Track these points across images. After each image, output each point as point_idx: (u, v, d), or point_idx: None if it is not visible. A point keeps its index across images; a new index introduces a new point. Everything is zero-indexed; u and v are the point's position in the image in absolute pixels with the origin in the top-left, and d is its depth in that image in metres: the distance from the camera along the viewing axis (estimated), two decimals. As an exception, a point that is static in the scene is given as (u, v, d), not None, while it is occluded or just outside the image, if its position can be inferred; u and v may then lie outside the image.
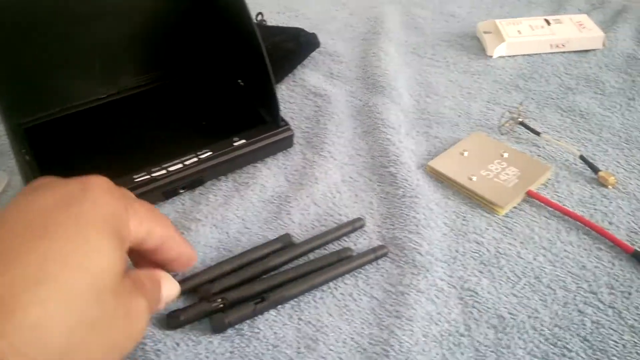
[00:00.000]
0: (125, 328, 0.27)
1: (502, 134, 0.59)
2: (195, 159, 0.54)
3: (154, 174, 0.53)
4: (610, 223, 0.48)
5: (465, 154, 0.55)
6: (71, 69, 0.60)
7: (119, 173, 0.52)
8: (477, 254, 0.46)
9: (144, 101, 0.62)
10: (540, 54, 0.72)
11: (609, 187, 0.51)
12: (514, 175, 0.52)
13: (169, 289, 0.34)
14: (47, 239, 0.25)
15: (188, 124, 0.60)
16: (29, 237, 0.24)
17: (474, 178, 0.52)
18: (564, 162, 0.55)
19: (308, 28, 0.82)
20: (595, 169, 0.52)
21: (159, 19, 0.61)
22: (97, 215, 0.27)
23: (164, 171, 0.53)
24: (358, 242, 0.48)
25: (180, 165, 0.53)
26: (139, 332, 0.28)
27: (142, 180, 0.52)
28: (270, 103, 0.58)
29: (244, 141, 0.56)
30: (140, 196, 0.51)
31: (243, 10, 0.54)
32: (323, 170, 0.56)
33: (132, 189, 0.51)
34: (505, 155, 0.54)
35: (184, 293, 0.45)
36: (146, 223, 0.31)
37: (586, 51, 0.72)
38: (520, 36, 0.71)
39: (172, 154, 0.54)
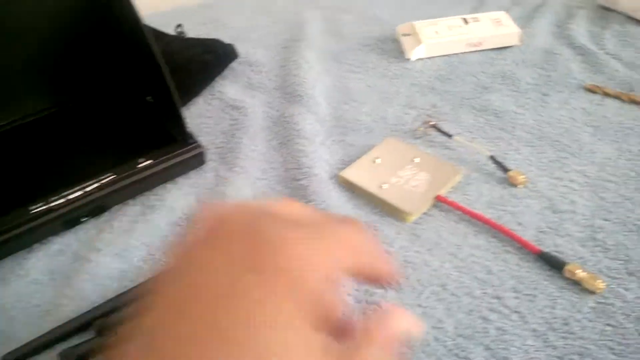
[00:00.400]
0: None
1: (416, 138, 0.58)
2: (96, 185, 0.52)
3: (51, 204, 0.50)
4: (519, 223, 0.47)
5: (378, 161, 0.54)
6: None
7: (14, 204, 0.50)
8: (384, 265, 0.45)
9: (46, 126, 0.60)
10: (458, 54, 0.71)
11: (519, 186, 0.51)
12: (424, 181, 0.51)
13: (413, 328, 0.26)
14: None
15: (92, 147, 0.58)
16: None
17: (385, 186, 0.51)
18: (475, 163, 0.54)
19: (230, 38, 0.81)
20: (505, 169, 0.52)
21: (57, 40, 0.59)
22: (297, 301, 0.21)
23: (62, 200, 0.51)
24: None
25: (80, 192, 0.51)
26: None
27: (38, 211, 0.50)
28: (177, 120, 0.56)
29: (150, 162, 0.54)
30: (37, 228, 0.50)
31: (138, 26, 0.52)
32: (235, 188, 0.54)
33: (27, 222, 0.49)
34: (417, 160, 0.53)
35: (78, 329, 0.42)
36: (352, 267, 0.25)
37: (503, 48, 0.72)
38: (437, 37, 0.71)
39: (72, 181, 0.52)
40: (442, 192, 0.50)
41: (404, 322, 0.25)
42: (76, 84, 0.62)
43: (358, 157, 0.56)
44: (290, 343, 0.20)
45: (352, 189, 0.53)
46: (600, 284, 0.41)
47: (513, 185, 0.51)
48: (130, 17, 0.52)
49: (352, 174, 0.53)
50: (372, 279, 0.26)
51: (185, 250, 0.23)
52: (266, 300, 0.20)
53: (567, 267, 0.42)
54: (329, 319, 0.22)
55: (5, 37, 0.56)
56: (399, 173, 0.52)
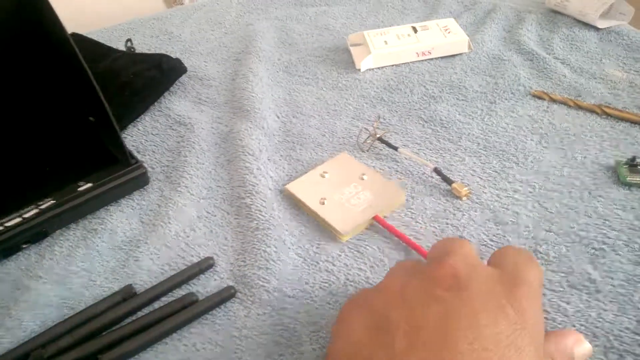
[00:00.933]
0: None
1: (362, 151, 0.58)
2: (36, 210, 0.51)
3: (-12, 232, 0.49)
4: (460, 237, 0.47)
5: (327, 176, 0.54)
6: None
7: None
8: (326, 284, 0.44)
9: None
10: (407, 63, 0.71)
11: (463, 198, 0.51)
12: (365, 200, 0.50)
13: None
14: None
15: (30, 171, 0.56)
16: None
17: (326, 202, 0.50)
18: (420, 175, 0.54)
19: (181, 51, 0.80)
20: (449, 181, 0.52)
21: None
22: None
23: (1, 227, 0.49)
24: (209, 285, 0.46)
25: (18, 219, 0.50)
26: None
27: (-25, 239, 0.48)
28: (116, 141, 0.55)
29: (90, 185, 0.53)
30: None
31: (70, 48, 0.50)
32: (178, 208, 0.53)
33: (-38, 252, 0.47)
34: (365, 177, 0.53)
35: (12, 363, 0.41)
36: None
37: (453, 56, 0.72)
38: (386, 47, 0.71)
39: (10, 207, 0.50)
40: (383, 214, 0.49)
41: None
42: (10, 105, 0.60)
43: (305, 173, 0.55)
44: None
45: (296, 204, 0.52)
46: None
47: (457, 197, 0.51)
48: (61, 38, 0.51)
49: (296, 187, 0.52)
50: None
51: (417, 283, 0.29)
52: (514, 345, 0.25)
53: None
54: None
55: None
56: (343, 190, 0.51)
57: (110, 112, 0.52)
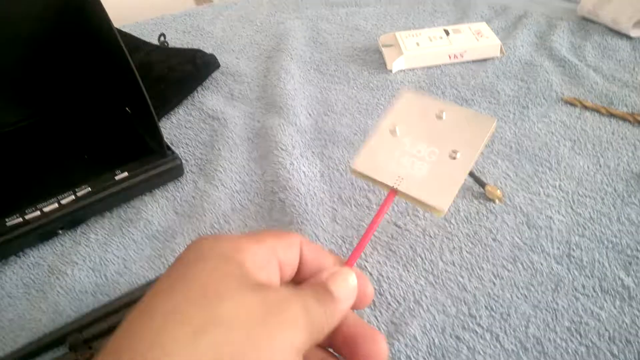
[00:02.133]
0: None
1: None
2: (72, 197, 0.51)
3: (27, 216, 0.50)
4: (494, 240, 0.47)
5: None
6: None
7: (-11, 217, 0.49)
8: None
9: (24, 137, 0.59)
10: (439, 65, 0.72)
11: (496, 201, 0.51)
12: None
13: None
14: None
15: (69, 159, 0.57)
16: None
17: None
18: (453, 177, 0.54)
19: (213, 47, 0.81)
20: (482, 184, 0.52)
21: (32, 52, 0.58)
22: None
23: (38, 212, 0.50)
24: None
25: (55, 205, 0.51)
26: None
27: (14, 224, 0.49)
28: (153, 131, 0.55)
29: (126, 174, 0.54)
30: (12, 240, 0.49)
31: (114, 38, 0.51)
32: (212, 200, 0.54)
33: (3, 234, 0.48)
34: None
35: (52, 345, 0.42)
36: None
37: (484, 60, 0.72)
38: (418, 48, 0.71)
39: (48, 192, 0.51)
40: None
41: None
42: (53, 95, 0.61)
43: (336, 170, 0.56)
44: None
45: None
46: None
47: (490, 200, 0.51)
48: (106, 29, 0.52)
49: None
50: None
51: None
52: None
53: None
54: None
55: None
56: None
57: (149, 101, 0.53)
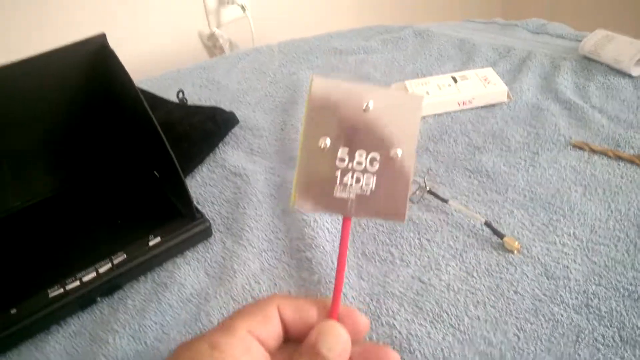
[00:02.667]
0: None
1: (412, 203, 0.61)
2: (109, 266, 0.54)
3: (68, 287, 0.52)
4: (515, 292, 0.50)
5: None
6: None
7: (34, 289, 0.52)
8: (388, 339, 0.47)
9: (58, 205, 0.62)
10: (449, 112, 0.74)
11: (514, 252, 0.53)
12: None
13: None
14: None
15: (103, 225, 0.60)
16: None
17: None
18: (471, 228, 0.57)
19: (229, 101, 0.84)
20: (500, 235, 0.54)
21: (62, 122, 0.61)
22: None
23: (78, 282, 0.53)
24: (276, 337, 0.49)
25: (94, 275, 0.53)
26: None
27: (56, 295, 0.52)
28: (182, 195, 0.58)
29: (159, 239, 0.56)
30: (55, 312, 0.52)
31: (140, 104, 0.55)
32: (242, 261, 0.56)
33: (46, 306, 0.51)
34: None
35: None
36: None
37: (493, 105, 0.75)
38: (428, 97, 0.74)
39: (86, 262, 0.54)
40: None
41: None
42: (83, 162, 0.64)
43: (358, 225, 0.58)
44: None
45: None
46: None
47: (509, 251, 0.53)
48: (131, 95, 0.55)
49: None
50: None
51: None
52: None
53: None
54: None
55: (14, 123, 0.58)
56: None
57: (178, 166, 0.56)
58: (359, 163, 0.32)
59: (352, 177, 0.32)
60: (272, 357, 0.30)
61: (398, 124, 0.32)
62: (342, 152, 0.32)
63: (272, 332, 0.30)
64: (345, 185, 0.32)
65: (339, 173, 0.32)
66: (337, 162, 0.32)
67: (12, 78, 0.55)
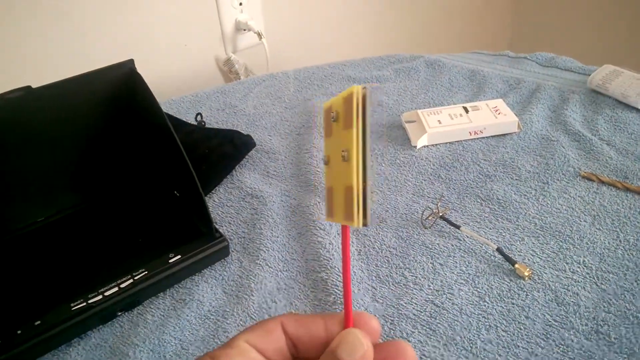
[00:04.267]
0: None
1: (425, 228, 0.62)
2: (130, 281, 0.56)
3: (90, 301, 0.54)
4: (526, 317, 0.51)
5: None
6: (6, 196, 0.61)
7: (57, 302, 0.53)
8: (404, 360, 0.48)
9: (82, 221, 0.64)
10: (461, 141, 0.76)
11: (525, 279, 0.54)
12: None
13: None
14: None
15: (125, 242, 0.62)
16: None
17: None
18: (483, 254, 0.58)
19: (246, 124, 0.86)
20: (512, 262, 0.56)
21: (86, 139, 0.64)
22: None
23: (100, 296, 0.54)
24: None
25: (116, 289, 0.55)
26: None
27: (79, 308, 0.53)
28: (203, 215, 0.60)
29: (179, 257, 0.58)
30: (78, 324, 0.53)
31: (164, 124, 0.57)
32: (258, 280, 0.58)
33: (69, 319, 0.52)
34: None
35: None
36: None
37: (503, 135, 0.77)
38: (440, 126, 0.76)
39: (108, 277, 0.56)
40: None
41: None
42: (107, 180, 0.66)
43: (372, 247, 0.60)
44: None
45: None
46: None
47: (520, 277, 0.55)
48: (156, 117, 0.57)
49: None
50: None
51: None
52: None
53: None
54: None
55: (43, 140, 0.61)
56: None
57: (199, 185, 0.58)
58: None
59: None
60: None
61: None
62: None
63: (273, 344, 0.30)
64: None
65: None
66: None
67: (45, 99, 0.58)
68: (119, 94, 0.61)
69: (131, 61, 0.60)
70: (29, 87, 0.55)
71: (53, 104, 0.58)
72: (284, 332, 0.31)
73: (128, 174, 0.67)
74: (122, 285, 0.55)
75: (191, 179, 0.58)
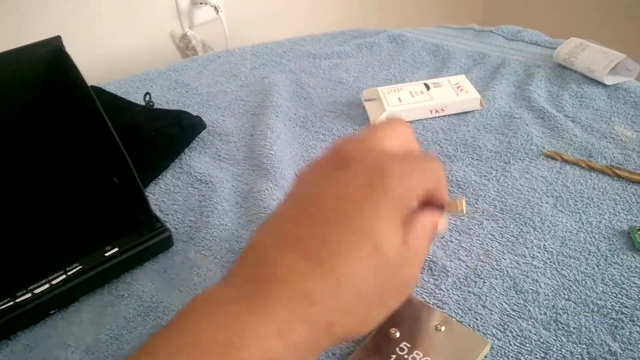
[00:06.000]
0: (408, 272, 0.34)
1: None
2: (63, 277, 0.52)
3: (18, 299, 0.50)
4: (483, 307, 0.48)
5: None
6: None
7: (-22, 303, 0.49)
8: (353, 356, 0.45)
9: (7, 212, 0.59)
10: (421, 120, 0.73)
11: (459, 214, 0.52)
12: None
13: (441, 226, 0.38)
14: (341, 231, 0.31)
15: (56, 235, 0.57)
16: (323, 224, 0.31)
17: None
18: (440, 238, 0.55)
19: (198, 104, 0.82)
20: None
21: (19, 127, 0.58)
22: (391, 210, 0.32)
23: (29, 294, 0.50)
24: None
25: (47, 286, 0.51)
26: (418, 270, 0.36)
27: (5, 307, 0.49)
28: (142, 204, 0.56)
29: (116, 250, 0.54)
30: (5, 325, 0.49)
31: (96, 110, 0.53)
32: (203, 272, 0.54)
33: (-7, 320, 0.48)
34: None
35: None
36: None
37: (465, 113, 0.74)
38: (400, 104, 0.72)
39: (38, 273, 0.52)
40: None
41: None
42: (38, 168, 0.62)
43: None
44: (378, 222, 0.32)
45: None
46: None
47: (476, 262, 0.52)
48: (86, 99, 0.53)
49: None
50: (439, 204, 0.37)
51: (318, 170, 0.36)
52: (370, 201, 0.32)
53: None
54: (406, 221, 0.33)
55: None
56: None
57: (135, 173, 0.53)
58: (414, 358, 0.42)
59: None
60: None
61: (459, 352, 0.43)
62: (405, 345, 0.43)
63: None
64: None
65: (394, 356, 0.42)
66: (397, 350, 0.43)
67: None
68: (47, 75, 0.56)
69: (58, 38, 0.54)
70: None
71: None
72: None
73: (62, 161, 0.62)
74: (54, 282, 0.51)
75: (126, 166, 0.54)
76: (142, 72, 0.92)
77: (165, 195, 0.65)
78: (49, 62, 0.55)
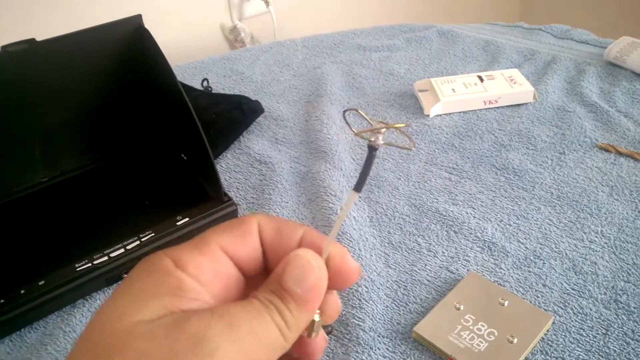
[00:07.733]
0: None
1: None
2: (137, 242, 0.54)
3: (95, 262, 0.52)
4: (544, 285, 0.50)
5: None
6: (9, 156, 0.60)
7: (61, 262, 0.52)
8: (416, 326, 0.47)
9: (87, 182, 0.62)
10: (475, 110, 0.75)
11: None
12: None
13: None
14: None
15: (131, 204, 0.60)
16: None
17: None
18: (499, 222, 0.57)
19: (253, 91, 0.84)
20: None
21: (96, 101, 0.62)
22: None
23: (105, 258, 0.53)
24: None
25: (122, 250, 0.53)
26: None
27: (84, 269, 0.52)
28: (212, 178, 0.58)
29: (187, 219, 0.56)
30: (82, 285, 0.52)
31: (176, 87, 0.55)
32: (267, 244, 0.56)
33: (74, 279, 0.51)
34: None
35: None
36: None
37: (518, 105, 0.75)
38: (454, 95, 0.74)
39: (114, 238, 0.54)
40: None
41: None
42: (113, 141, 0.65)
43: (384, 214, 0.59)
44: None
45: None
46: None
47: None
48: (168, 79, 0.55)
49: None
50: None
51: None
52: None
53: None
54: None
55: (46, 100, 0.59)
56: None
57: (211, 153, 0.56)
58: (479, 329, 0.45)
59: (469, 335, 0.44)
60: (247, 283, 0.25)
61: (523, 325, 0.45)
62: (471, 317, 0.46)
63: (250, 251, 0.24)
64: (460, 336, 0.44)
65: (460, 326, 0.45)
66: (462, 320, 0.45)
67: (50, 53, 0.56)
68: (126, 50, 0.59)
69: (139, 16, 0.57)
70: (32, 39, 0.53)
71: (58, 59, 0.56)
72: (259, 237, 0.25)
73: (135, 135, 0.65)
74: (129, 247, 0.54)
75: (200, 142, 0.56)
76: (197, 60, 0.95)
77: (226, 173, 0.68)
78: (130, 39, 0.58)
